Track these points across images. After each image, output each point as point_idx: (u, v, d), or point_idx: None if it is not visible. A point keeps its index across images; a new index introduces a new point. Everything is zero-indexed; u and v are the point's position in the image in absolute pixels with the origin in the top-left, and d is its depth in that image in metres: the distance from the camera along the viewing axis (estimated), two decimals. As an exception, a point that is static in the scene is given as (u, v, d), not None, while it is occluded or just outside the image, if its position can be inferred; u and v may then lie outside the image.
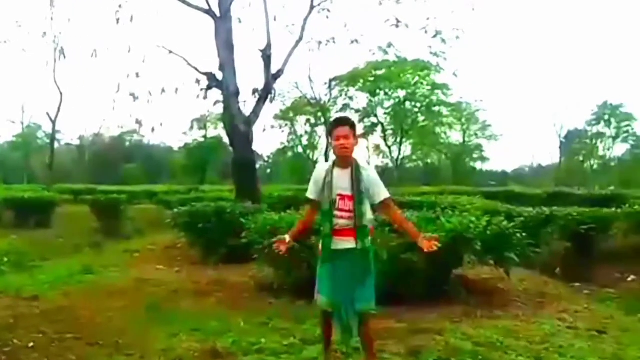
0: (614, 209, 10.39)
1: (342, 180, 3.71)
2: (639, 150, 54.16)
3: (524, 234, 6.32)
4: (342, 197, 3.69)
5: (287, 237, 3.91)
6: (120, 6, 14.50)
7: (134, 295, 6.54)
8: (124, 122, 52.97)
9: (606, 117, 53.71)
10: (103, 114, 73.43)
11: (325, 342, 4.03)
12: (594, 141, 55.35)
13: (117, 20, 14.53)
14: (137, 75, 14.49)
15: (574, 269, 9.09)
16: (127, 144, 62.14)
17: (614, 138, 54.37)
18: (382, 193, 3.76)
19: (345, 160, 3.73)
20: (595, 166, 55.96)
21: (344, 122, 3.80)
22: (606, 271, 9.01)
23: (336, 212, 3.70)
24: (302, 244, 6.09)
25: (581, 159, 56.71)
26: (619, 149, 55.54)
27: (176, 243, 10.90)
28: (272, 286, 6.58)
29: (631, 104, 71.86)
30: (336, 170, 3.74)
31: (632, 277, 8.34)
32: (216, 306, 6.08)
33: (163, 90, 14.36)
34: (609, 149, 55.54)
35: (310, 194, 3.86)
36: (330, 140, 3.81)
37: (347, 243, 3.68)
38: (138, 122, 15.97)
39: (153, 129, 18.13)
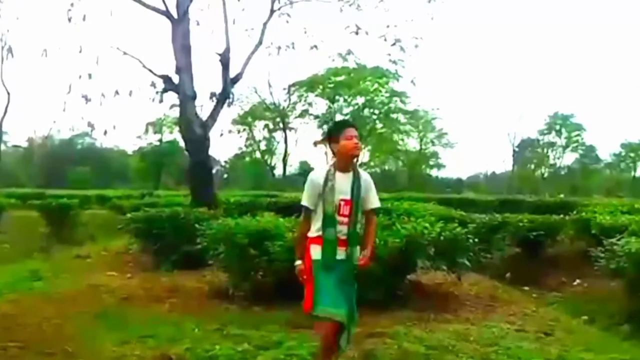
0: (562, 216, 10.72)
1: (344, 184, 3.55)
2: (587, 159, 56.29)
3: (476, 240, 6.47)
4: (344, 201, 3.53)
5: (300, 263, 3.65)
6: (72, 4, 14.12)
7: (84, 302, 6.38)
8: (76, 124, 51.34)
9: (557, 127, 55.69)
10: (53, 116, 71.34)
11: (326, 354, 3.64)
12: (545, 150, 57.34)
13: (69, 19, 14.15)
14: (90, 76, 14.14)
15: (524, 273, 9.34)
16: (79, 147, 60.32)
17: (564, 147, 56.44)
18: (376, 201, 3.71)
19: (350, 162, 3.61)
20: (546, 174, 57.85)
21: (353, 124, 3.84)
22: (554, 275, 9.29)
23: (338, 217, 3.53)
24: (257, 250, 6.11)
25: (533, 167, 58.52)
26: (569, 158, 57.88)
27: (128, 249, 10.69)
28: (227, 292, 6.53)
29: (581, 114, 74.83)
30: (338, 174, 3.57)
31: (578, 280, 8.61)
32: (169, 312, 5.99)
33: (117, 93, 14.08)
34: (559, 158, 57.74)
35: (307, 201, 3.62)
36: (332, 144, 3.60)
37: (343, 253, 3.54)
38: (90, 124, 15.59)
39: (106, 132, 17.75)
